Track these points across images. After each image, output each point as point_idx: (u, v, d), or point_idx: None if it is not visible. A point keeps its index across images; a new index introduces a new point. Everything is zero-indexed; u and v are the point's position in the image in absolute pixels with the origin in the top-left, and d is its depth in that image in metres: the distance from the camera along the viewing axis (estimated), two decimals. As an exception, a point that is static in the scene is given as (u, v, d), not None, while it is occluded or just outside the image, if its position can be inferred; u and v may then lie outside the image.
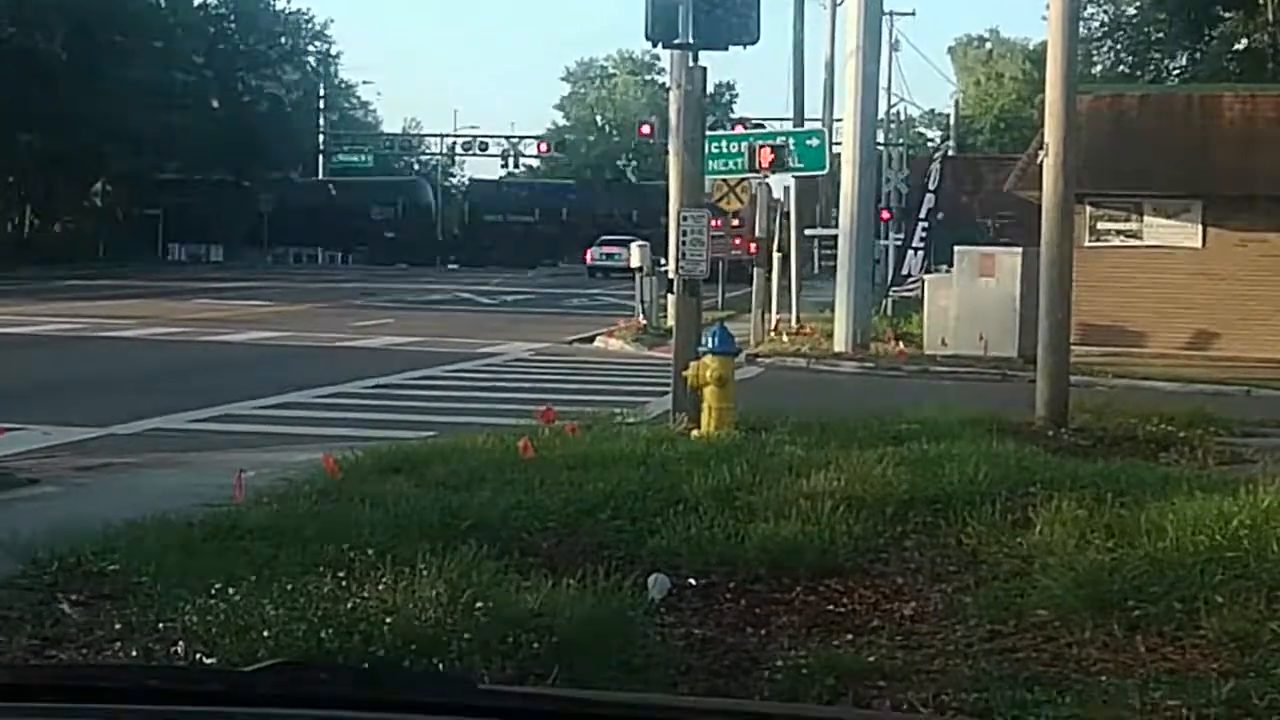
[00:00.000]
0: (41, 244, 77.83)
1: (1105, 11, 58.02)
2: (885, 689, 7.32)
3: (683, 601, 8.89)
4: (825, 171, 34.48)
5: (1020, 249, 30.29)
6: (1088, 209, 31.28)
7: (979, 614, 8.52)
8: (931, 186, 40.65)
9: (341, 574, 7.97)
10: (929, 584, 9.34)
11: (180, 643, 7.06)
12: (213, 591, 7.60)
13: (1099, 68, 56.60)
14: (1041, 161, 18.84)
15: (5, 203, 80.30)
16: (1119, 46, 57.95)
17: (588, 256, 76.49)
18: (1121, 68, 56.76)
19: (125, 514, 9.96)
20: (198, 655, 6.87)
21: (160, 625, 7.42)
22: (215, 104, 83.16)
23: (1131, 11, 58.03)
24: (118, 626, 7.53)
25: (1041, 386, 17.80)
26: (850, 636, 8.30)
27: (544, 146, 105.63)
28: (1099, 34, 57.04)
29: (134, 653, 7.07)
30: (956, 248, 32.31)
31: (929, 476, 11.68)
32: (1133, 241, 32.87)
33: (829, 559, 9.63)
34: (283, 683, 2.98)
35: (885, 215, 46.38)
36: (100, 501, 11.43)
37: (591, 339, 34.82)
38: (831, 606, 8.98)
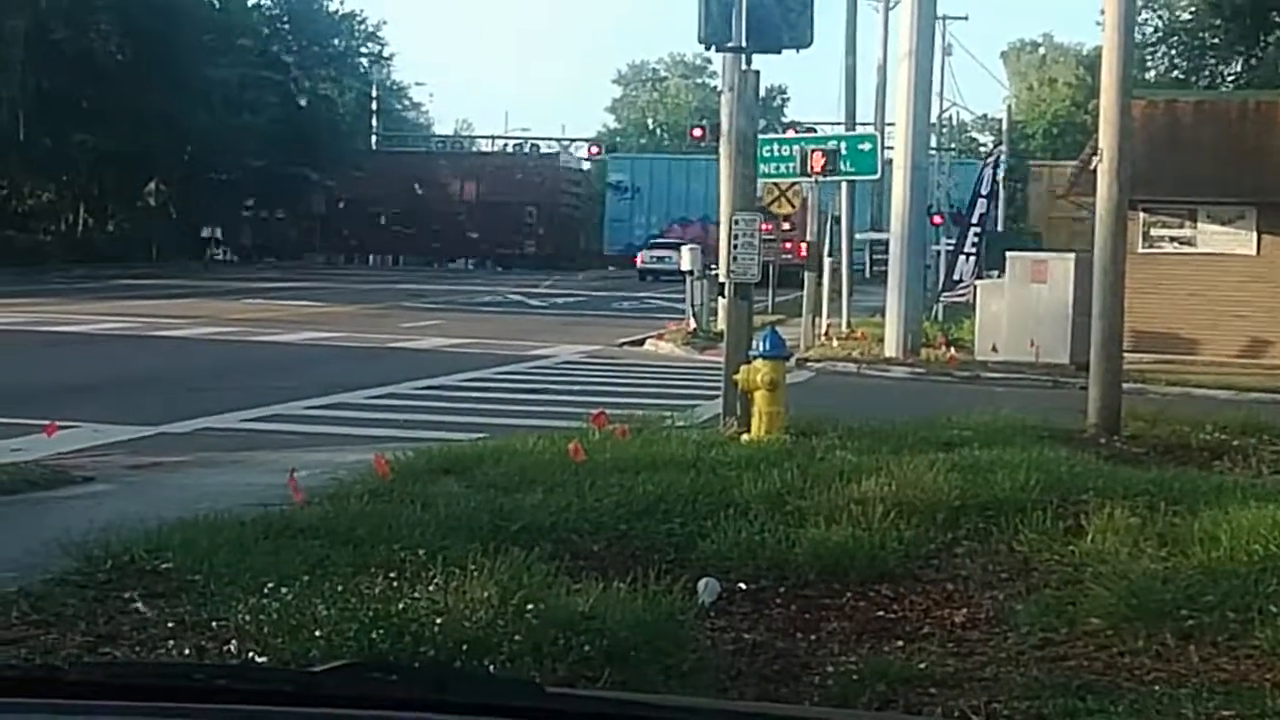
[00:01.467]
0: (95, 243, 78.23)
1: (1160, 17, 57.71)
2: (936, 696, 7.29)
3: (733, 606, 8.88)
4: (877, 176, 34.42)
5: (1072, 255, 30.18)
6: (1141, 215, 31.10)
7: (1031, 621, 8.48)
8: (984, 191, 40.50)
9: (393, 574, 7.99)
10: (980, 591, 9.31)
11: (233, 641, 7.09)
12: (265, 590, 7.64)
13: (1153, 73, 56.33)
14: (1095, 167, 18.76)
15: (60, 202, 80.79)
16: (1173, 52, 57.62)
17: (638, 260, 76.52)
18: (1176, 73, 56.44)
19: (177, 512, 10.01)
20: (250, 654, 6.90)
21: (213, 623, 7.45)
22: (268, 105, 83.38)
23: (1186, 17, 57.69)
24: (171, 624, 7.56)
25: (1093, 393, 17.73)
26: (901, 643, 8.27)
27: (595, 149, 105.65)
28: (1153, 39, 56.73)
29: (187, 651, 7.10)
30: (1008, 253, 32.22)
31: (980, 483, 11.64)
32: (1186, 248, 32.68)
33: (879, 565, 9.61)
34: (352, 683, 2.98)
35: (937, 220, 46.25)
36: (153, 500, 11.48)
37: (642, 342, 34.83)
38: (882, 612, 8.95)
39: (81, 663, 6.51)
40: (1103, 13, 18.79)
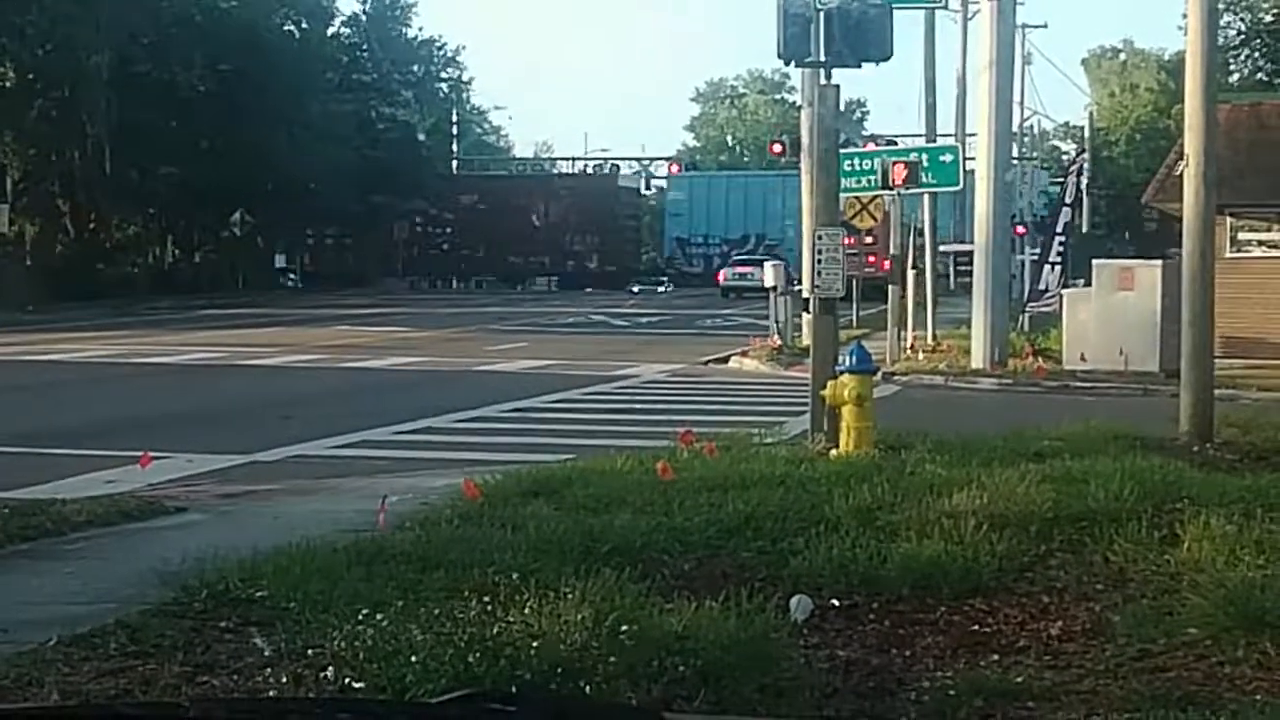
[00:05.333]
0: (181, 274, 79.03)
1: (1242, 20, 57.27)
2: (1034, 710, 7.24)
3: (825, 623, 8.85)
4: (959, 187, 34.26)
5: (1160, 262, 29.94)
6: (1228, 220, 30.85)
7: (1128, 632, 8.41)
8: (1068, 200, 40.25)
9: (486, 598, 8.01)
10: (1075, 602, 9.23)
11: (329, 668, 7.11)
12: (359, 617, 7.67)
13: (1236, 76, 55.89)
14: (1181, 173, 18.59)
15: (147, 234, 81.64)
16: (1257, 54, 57.17)
17: (720, 277, 76.49)
18: (1260, 75, 55.96)
19: (270, 540, 10.06)
20: (346, 680, 6.92)
21: (309, 651, 7.49)
22: (349, 132, 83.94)
23: (1269, 19, 57.19)
24: (267, 653, 7.61)
25: (1184, 401, 17.55)
26: (996, 657, 8.22)
27: (675, 167, 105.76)
28: (1236, 42, 56.31)
29: (284, 679, 7.13)
30: (1094, 261, 32.00)
31: (1072, 494, 11.55)
32: (1275, 252, 32.36)
33: (973, 578, 9.55)
34: (472, 714, 2.93)
35: (1020, 230, 45.98)
36: (246, 528, 11.56)
37: (726, 359, 34.77)
38: (976, 626, 8.89)
39: (205, 699, 6.55)
40: (1185, 17, 18.64)
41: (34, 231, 75.92)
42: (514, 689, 6.55)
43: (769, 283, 36.67)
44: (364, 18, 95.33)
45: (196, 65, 70.44)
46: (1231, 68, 55.43)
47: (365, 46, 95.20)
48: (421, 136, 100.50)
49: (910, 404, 24.11)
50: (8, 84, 65.08)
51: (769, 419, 20.09)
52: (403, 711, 3.28)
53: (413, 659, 6.96)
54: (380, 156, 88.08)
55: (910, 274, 35.43)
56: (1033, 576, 9.81)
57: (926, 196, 36.50)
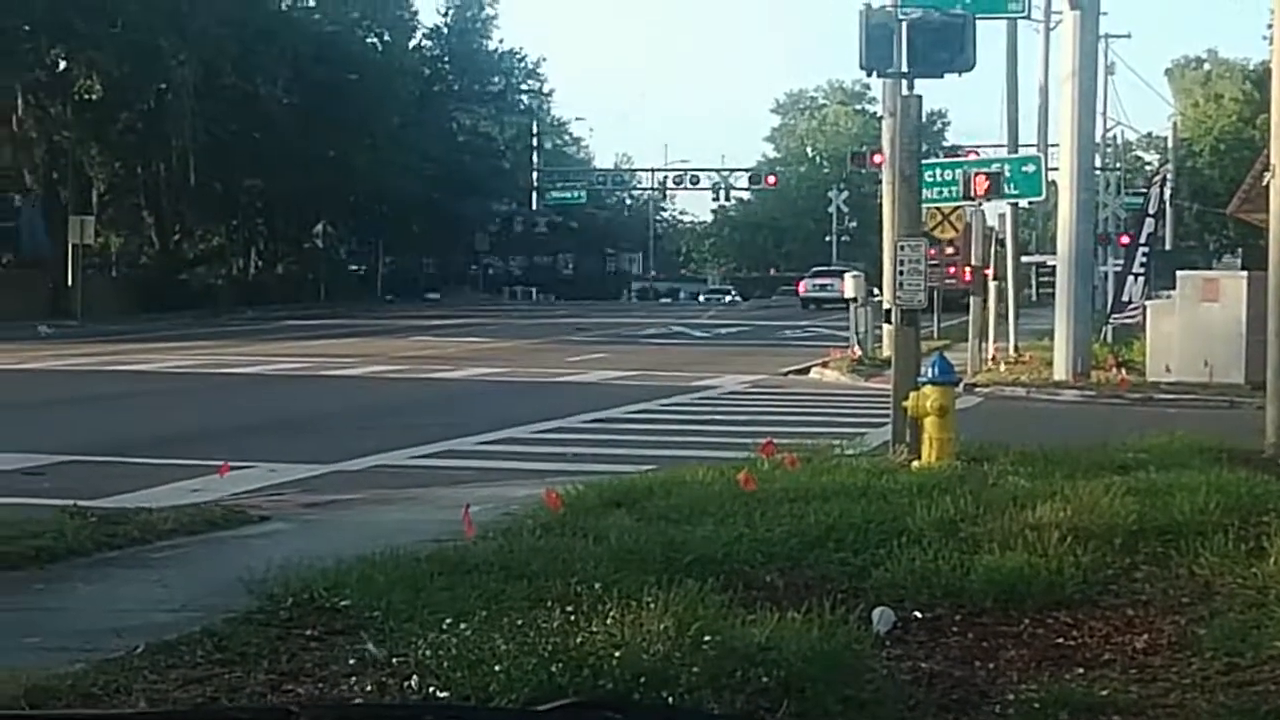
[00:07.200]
0: (265, 285, 79.72)
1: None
2: (1120, 724, 7.18)
3: (908, 635, 8.81)
4: (1042, 198, 34.11)
5: (1245, 272, 29.66)
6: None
7: (1214, 646, 8.32)
8: (1151, 211, 39.96)
9: (568, 608, 8.01)
10: (1161, 616, 9.15)
11: (414, 677, 7.14)
12: (443, 626, 7.69)
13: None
14: (1268, 183, 18.42)
15: (231, 245, 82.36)
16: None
17: (801, 288, 76.41)
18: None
19: (354, 549, 10.11)
20: (431, 689, 6.95)
21: (393, 660, 7.52)
22: (430, 144, 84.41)
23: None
24: (352, 661, 7.64)
25: (1271, 413, 17.38)
26: (1081, 670, 8.15)
27: (770, 179, 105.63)
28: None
29: (369, 688, 7.18)
30: (1179, 272, 31.76)
31: (1157, 506, 11.46)
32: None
33: (1057, 591, 9.48)
34: None
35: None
36: (329, 537, 11.63)
37: (806, 371, 34.72)
38: (1061, 639, 8.83)
39: (313, 704, 6.59)
40: (1270, 26, 18.50)
41: (119, 243, 76.83)
42: (640, 701, 6.54)
43: (849, 294, 36.61)
44: (445, 30, 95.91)
45: (280, 78, 71.08)
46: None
47: (446, 59, 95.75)
48: (503, 148, 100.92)
49: (992, 415, 23.98)
50: (94, 97, 65.84)
51: (850, 430, 20.03)
52: (507, 719, 3.27)
53: (496, 668, 6.98)
54: (461, 168, 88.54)
55: (992, 285, 35.27)
56: (1118, 589, 9.73)
57: (1008, 207, 36.34)
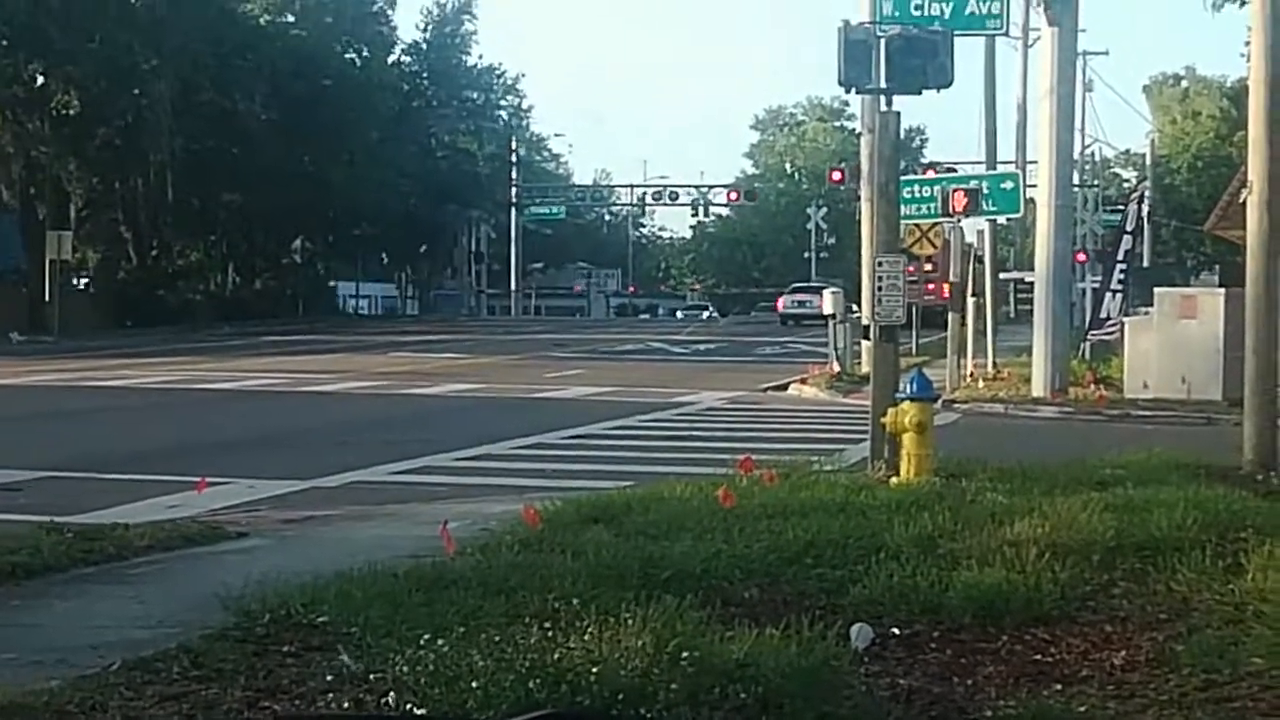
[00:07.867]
0: (243, 301, 79.58)
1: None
2: (1098, 740, 7.18)
3: (886, 651, 8.80)
4: (1020, 214, 34.20)
5: (1223, 289, 29.74)
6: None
7: (1192, 662, 8.33)
8: (1129, 228, 40.05)
9: (546, 624, 8.00)
10: (1139, 632, 9.16)
11: (391, 693, 7.13)
12: (421, 642, 7.67)
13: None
14: (1244, 199, 18.47)
15: (208, 261, 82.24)
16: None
17: (779, 304, 76.46)
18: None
19: (331, 565, 10.09)
20: (408, 705, 6.93)
21: (371, 676, 7.50)
22: (408, 160, 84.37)
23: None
24: (329, 678, 7.62)
25: (1248, 429, 17.42)
26: (1059, 686, 8.15)
27: (734, 195, 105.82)
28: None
29: (346, 704, 7.15)
30: (1157, 289, 31.83)
31: (1135, 522, 11.48)
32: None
33: (1035, 607, 9.48)
34: None
35: (1081, 257, 45.77)
36: (307, 553, 11.60)
37: (785, 387, 34.72)
38: (1039, 655, 8.83)
39: (298, 717, 6.57)
40: (1248, 44, 18.54)
41: (96, 258, 76.63)
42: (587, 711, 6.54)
43: (828, 310, 36.63)
44: (424, 46, 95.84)
45: (258, 93, 71.03)
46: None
47: (425, 74, 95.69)
48: (481, 164, 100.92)
49: (970, 432, 24.02)
50: (71, 112, 65.69)
51: (829, 446, 20.04)
52: None
53: (474, 684, 6.97)
54: (439, 183, 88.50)
55: (970, 301, 35.32)
56: (1096, 605, 9.73)
57: (986, 223, 36.41)
